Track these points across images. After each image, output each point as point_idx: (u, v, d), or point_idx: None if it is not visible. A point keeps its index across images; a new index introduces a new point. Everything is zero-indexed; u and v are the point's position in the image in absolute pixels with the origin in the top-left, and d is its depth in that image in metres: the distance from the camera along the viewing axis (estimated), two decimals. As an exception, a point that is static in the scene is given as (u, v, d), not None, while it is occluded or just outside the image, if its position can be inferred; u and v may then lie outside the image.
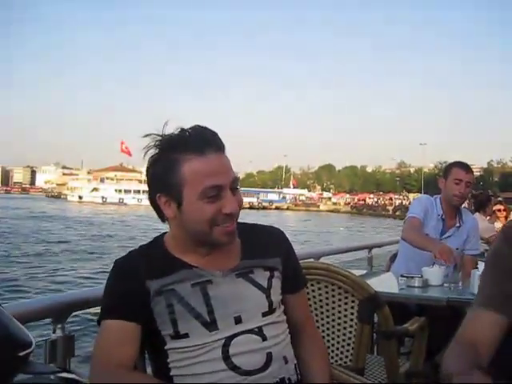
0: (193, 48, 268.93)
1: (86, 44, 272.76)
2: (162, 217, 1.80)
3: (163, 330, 1.74)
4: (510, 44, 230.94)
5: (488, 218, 8.20)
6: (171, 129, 1.74)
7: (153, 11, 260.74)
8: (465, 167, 4.27)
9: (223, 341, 1.72)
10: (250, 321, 1.77)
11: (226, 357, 1.71)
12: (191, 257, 1.79)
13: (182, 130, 1.72)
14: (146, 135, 1.74)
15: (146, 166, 1.76)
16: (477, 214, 7.71)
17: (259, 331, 1.78)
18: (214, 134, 1.74)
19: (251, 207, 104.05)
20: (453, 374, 1.10)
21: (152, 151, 1.74)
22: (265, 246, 1.92)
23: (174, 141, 1.71)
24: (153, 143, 1.73)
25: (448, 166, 4.50)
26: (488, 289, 1.56)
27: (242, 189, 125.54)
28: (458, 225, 4.33)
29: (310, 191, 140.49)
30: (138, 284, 1.73)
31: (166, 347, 1.75)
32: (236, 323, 1.75)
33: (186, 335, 1.72)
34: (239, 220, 1.88)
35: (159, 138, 1.73)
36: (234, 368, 1.70)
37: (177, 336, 1.73)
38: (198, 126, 1.74)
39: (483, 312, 1.51)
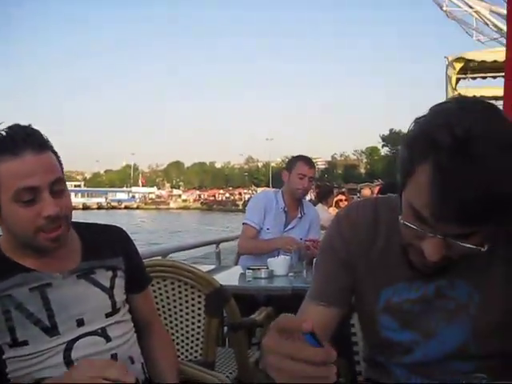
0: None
1: None
2: None
3: (0, 338, 1.65)
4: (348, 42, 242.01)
5: (330, 208, 8.58)
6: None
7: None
8: (308, 163, 4.42)
9: (65, 345, 1.67)
10: (92, 322, 1.73)
11: (69, 361, 1.66)
12: (29, 260, 1.71)
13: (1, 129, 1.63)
14: None
15: None
16: (319, 204, 8.06)
17: (103, 332, 1.74)
18: (32, 133, 1.63)
19: (99, 207, 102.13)
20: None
21: None
22: (106, 245, 1.87)
23: None
24: None
25: (292, 159, 4.61)
26: (319, 282, 1.57)
27: (90, 189, 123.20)
28: (299, 216, 4.49)
29: (159, 189, 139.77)
30: None
31: (4, 357, 1.65)
32: (78, 326, 1.71)
33: (25, 342, 1.65)
34: (82, 220, 1.83)
35: None
36: None
37: (15, 344, 1.64)
38: (18, 125, 1.64)
39: (314, 305, 1.52)
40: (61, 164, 1.70)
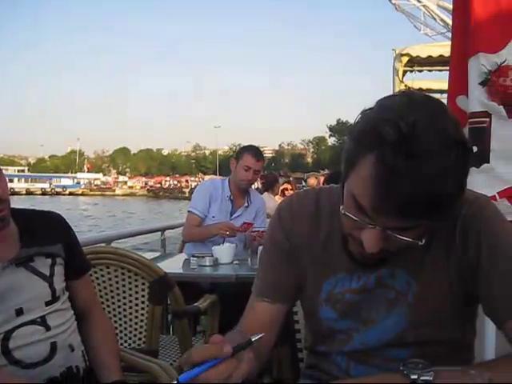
0: None
1: None
2: None
3: None
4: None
5: (276, 196, 8.64)
6: None
7: None
8: (255, 155, 4.40)
9: (2, 335, 1.64)
10: (32, 311, 1.71)
11: (7, 351, 1.64)
12: None
13: None
14: None
15: None
16: (265, 193, 8.11)
17: (42, 321, 1.73)
18: None
19: (44, 193, 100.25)
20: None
21: None
22: (44, 232, 1.85)
23: None
24: None
25: (241, 149, 4.62)
26: (263, 277, 1.55)
27: (33, 174, 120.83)
28: (246, 204, 4.50)
29: (105, 175, 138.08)
30: None
31: None
32: (17, 315, 1.68)
33: None
34: (18, 206, 1.80)
35: None
36: (16, 362, 1.64)
37: None
38: None
39: (259, 302, 1.50)
40: None
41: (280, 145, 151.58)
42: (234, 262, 3.81)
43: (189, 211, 4.44)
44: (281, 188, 9.15)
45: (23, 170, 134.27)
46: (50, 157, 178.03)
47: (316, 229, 1.49)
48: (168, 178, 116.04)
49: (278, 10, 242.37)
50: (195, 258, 3.73)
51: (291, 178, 11.54)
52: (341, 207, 1.25)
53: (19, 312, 1.69)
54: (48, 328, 1.73)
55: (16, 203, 1.74)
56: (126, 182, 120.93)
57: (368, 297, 1.43)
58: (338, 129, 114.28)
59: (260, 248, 3.60)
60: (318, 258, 1.48)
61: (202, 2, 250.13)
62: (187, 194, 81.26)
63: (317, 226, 1.49)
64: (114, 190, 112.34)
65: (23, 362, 1.64)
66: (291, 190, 9.11)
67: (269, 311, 1.50)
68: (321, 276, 1.48)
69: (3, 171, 1.72)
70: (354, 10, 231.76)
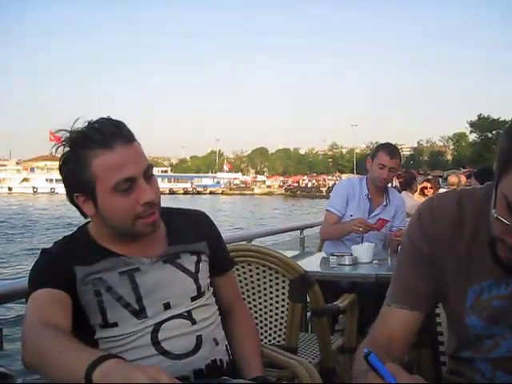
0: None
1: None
2: (84, 214, 1.76)
3: (92, 319, 1.72)
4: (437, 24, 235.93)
5: (415, 194, 8.45)
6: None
7: None
8: (390, 153, 4.29)
9: (152, 327, 1.72)
10: (178, 306, 1.78)
11: (156, 342, 1.71)
12: (117, 246, 1.77)
13: (88, 124, 1.67)
14: (57, 131, 1.70)
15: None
16: (404, 192, 7.93)
17: (188, 315, 1.79)
18: (119, 125, 1.68)
19: (185, 192, 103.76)
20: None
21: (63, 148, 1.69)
22: (190, 230, 1.91)
23: (79, 138, 1.66)
24: (61, 141, 1.68)
25: (376, 147, 4.56)
26: (401, 282, 1.50)
27: (176, 174, 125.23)
28: (384, 203, 4.43)
29: (243, 175, 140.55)
30: (66, 269, 1.69)
31: (95, 337, 1.72)
32: (165, 309, 1.76)
33: (114, 324, 1.71)
34: (169, 205, 1.87)
35: (67, 135, 1.68)
36: (164, 353, 1.71)
37: (106, 325, 1.71)
38: (103, 118, 1.69)
39: (397, 309, 1.47)
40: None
41: (418, 142, 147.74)
42: (374, 262, 3.76)
43: (327, 210, 4.44)
44: (420, 186, 8.90)
45: (166, 171, 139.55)
46: (191, 157, 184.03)
47: (459, 232, 1.42)
48: (305, 177, 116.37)
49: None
50: (334, 257, 3.72)
51: (430, 176, 11.22)
52: (492, 210, 1.19)
53: (167, 306, 1.76)
54: (194, 322, 1.78)
55: (161, 202, 1.81)
56: (264, 182, 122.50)
57: None
58: (480, 124, 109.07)
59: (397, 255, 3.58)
60: (460, 262, 1.42)
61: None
62: (324, 193, 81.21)
63: (460, 229, 1.42)
64: (253, 189, 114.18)
65: (171, 353, 1.71)
66: (431, 188, 8.85)
67: (404, 317, 1.46)
68: (465, 282, 1.42)
69: None
70: None
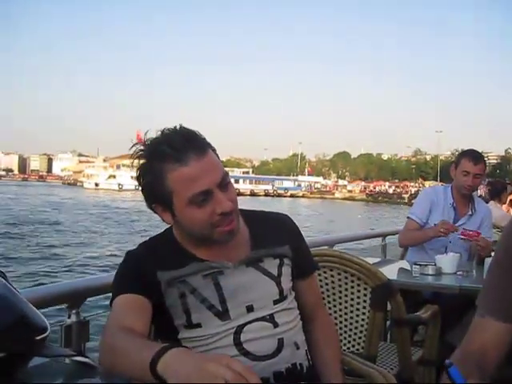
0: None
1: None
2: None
3: (176, 319, 1.75)
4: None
5: (503, 206, 8.13)
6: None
7: None
8: (474, 159, 4.16)
9: (235, 329, 1.74)
10: (261, 309, 1.79)
11: (238, 343, 1.73)
12: (202, 250, 1.79)
13: (161, 135, 1.68)
14: (132, 146, 1.72)
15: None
16: (492, 202, 7.65)
17: (271, 318, 1.79)
18: (190, 137, 1.67)
19: (266, 194, 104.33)
20: None
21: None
22: (273, 233, 1.91)
23: (155, 151, 1.67)
24: (137, 153, 1.71)
25: (460, 154, 4.46)
26: (495, 293, 1.44)
27: (257, 176, 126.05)
28: (470, 213, 4.30)
29: (325, 179, 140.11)
30: (149, 273, 1.73)
31: (178, 336, 1.76)
32: (248, 312, 1.77)
33: (198, 325, 1.74)
34: (249, 208, 1.89)
35: (142, 147, 1.71)
36: (246, 354, 1.72)
37: (189, 326, 1.74)
38: (175, 130, 1.68)
39: (491, 321, 1.41)
40: (218, 157, 1.75)
41: (506, 150, 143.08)
42: (458, 273, 3.66)
43: (408, 217, 4.36)
44: (510, 198, 8.56)
45: (248, 172, 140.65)
46: (272, 159, 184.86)
47: None
48: (387, 183, 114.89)
49: None
50: (417, 266, 3.65)
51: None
52: None
53: (250, 309, 1.77)
54: (276, 325, 1.79)
55: (241, 204, 1.80)
56: (345, 186, 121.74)
57: None
58: None
59: (486, 259, 3.48)
60: None
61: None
62: (406, 200, 79.92)
63: None
64: (334, 194, 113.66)
65: (253, 354, 1.72)
66: (522, 199, 8.51)
67: (495, 330, 1.40)
68: None
69: (229, 173, 1.80)
70: None
